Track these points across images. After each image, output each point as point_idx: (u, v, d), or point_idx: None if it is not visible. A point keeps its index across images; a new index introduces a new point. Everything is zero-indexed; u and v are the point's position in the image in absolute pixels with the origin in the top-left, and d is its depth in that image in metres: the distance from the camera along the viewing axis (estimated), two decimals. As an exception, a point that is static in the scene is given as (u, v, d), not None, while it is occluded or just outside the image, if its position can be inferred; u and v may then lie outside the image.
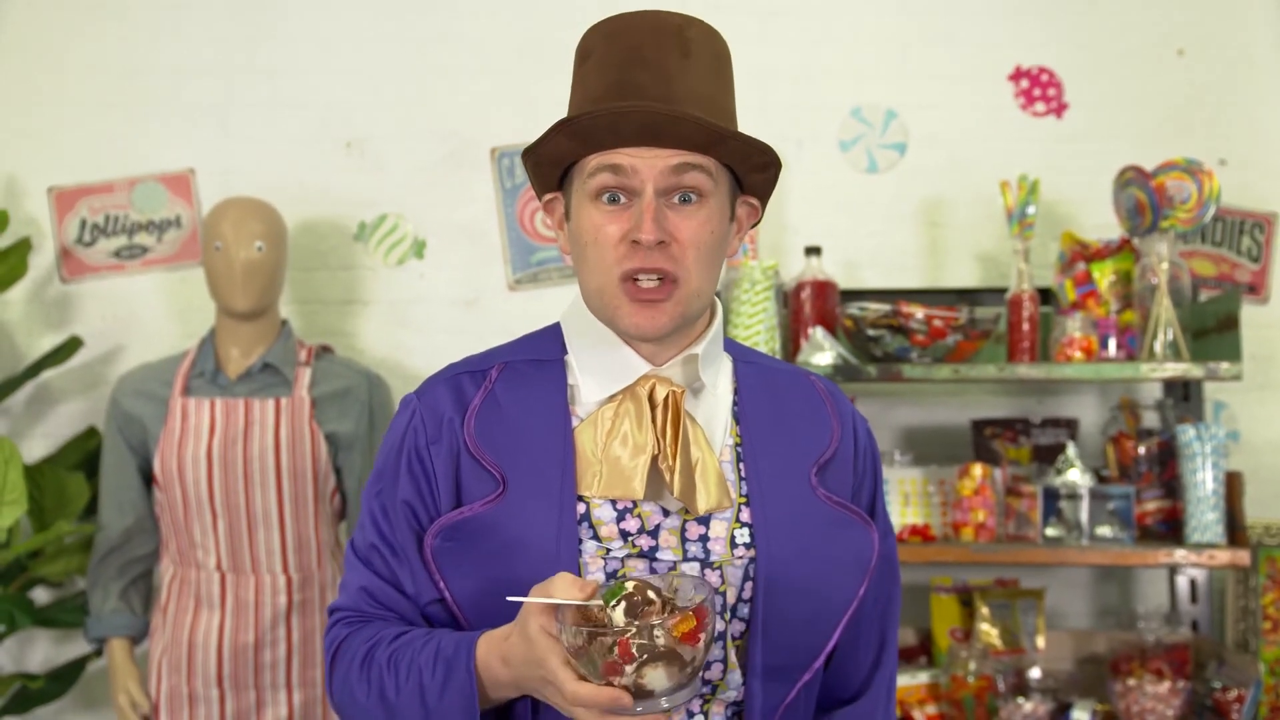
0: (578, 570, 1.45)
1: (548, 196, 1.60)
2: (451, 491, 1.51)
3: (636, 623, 1.28)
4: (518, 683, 1.38)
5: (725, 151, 1.50)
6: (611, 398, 1.54)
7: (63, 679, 3.22)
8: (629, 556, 1.47)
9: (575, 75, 1.56)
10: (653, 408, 1.51)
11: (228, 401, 2.90)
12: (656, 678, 1.28)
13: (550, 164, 1.55)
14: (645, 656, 1.27)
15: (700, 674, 1.33)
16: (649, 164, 1.46)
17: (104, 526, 2.95)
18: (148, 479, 2.96)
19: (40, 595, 3.38)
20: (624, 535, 1.49)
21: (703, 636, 1.29)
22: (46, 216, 3.48)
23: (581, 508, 1.49)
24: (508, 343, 1.64)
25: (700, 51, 1.49)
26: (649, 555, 1.48)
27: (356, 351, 3.44)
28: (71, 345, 3.32)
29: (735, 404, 1.59)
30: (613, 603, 1.30)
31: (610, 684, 1.28)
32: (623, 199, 1.48)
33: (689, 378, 1.55)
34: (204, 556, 2.88)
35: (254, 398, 2.91)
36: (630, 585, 1.31)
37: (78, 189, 3.48)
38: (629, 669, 1.27)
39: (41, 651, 3.44)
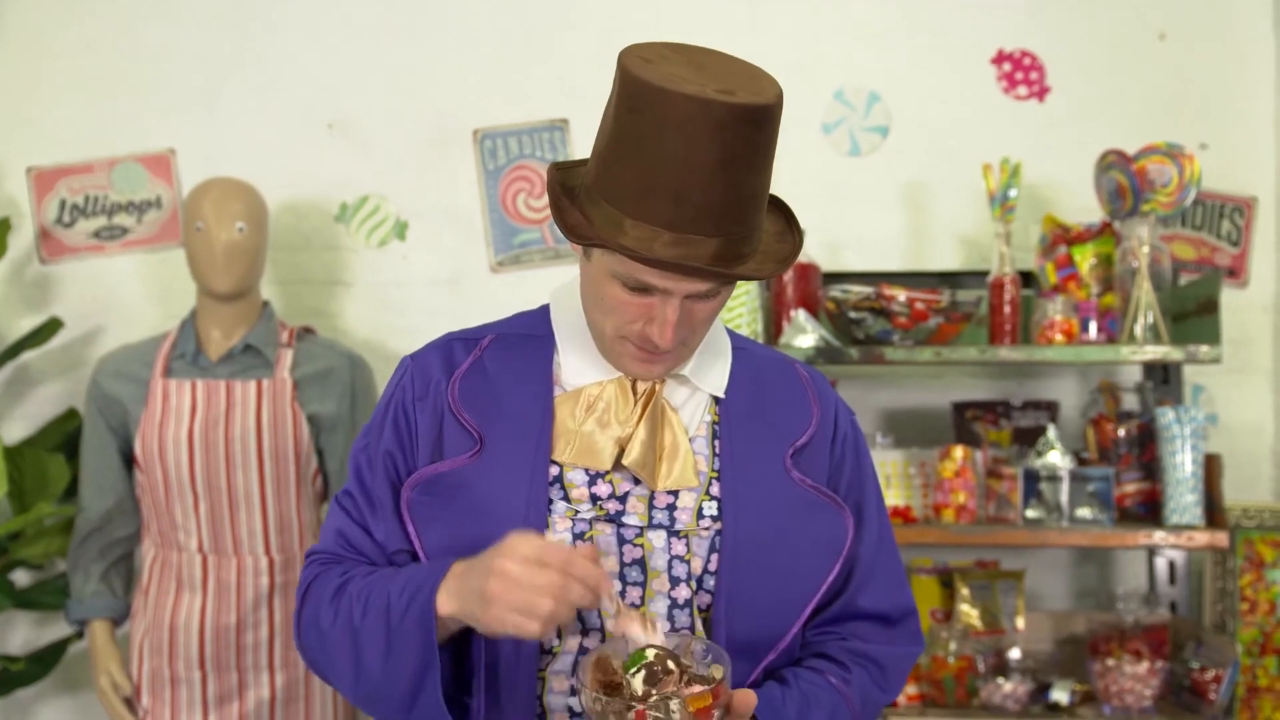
0: (545, 532, 1.50)
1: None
2: (430, 449, 1.56)
3: (655, 693, 1.32)
4: (465, 583, 1.41)
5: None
6: None
7: (43, 661, 3.21)
8: (596, 520, 1.52)
9: (621, 123, 1.43)
10: (635, 391, 1.57)
11: (209, 383, 2.89)
12: None
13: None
14: None
15: None
16: (680, 286, 1.46)
17: (84, 508, 2.94)
18: (128, 460, 2.95)
19: (21, 577, 3.37)
20: (594, 499, 1.54)
21: (716, 714, 1.34)
22: (25, 197, 3.46)
23: (555, 470, 1.54)
24: (503, 318, 1.69)
25: (766, 144, 1.44)
26: (615, 519, 1.53)
27: (339, 333, 3.43)
28: (51, 326, 3.30)
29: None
30: (632, 670, 1.34)
31: None
32: (647, 290, 1.48)
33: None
34: (185, 538, 2.87)
35: (235, 379, 2.90)
36: (651, 654, 1.35)
37: (56, 169, 3.46)
38: None
39: (22, 634, 3.43)
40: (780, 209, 1.58)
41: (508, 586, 1.35)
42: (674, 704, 1.31)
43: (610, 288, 1.48)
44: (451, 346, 1.63)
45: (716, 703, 1.33)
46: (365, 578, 1.52)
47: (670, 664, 1.34)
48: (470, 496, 1.51)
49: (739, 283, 1.57)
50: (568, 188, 1.52)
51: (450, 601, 1.42)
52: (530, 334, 1.63)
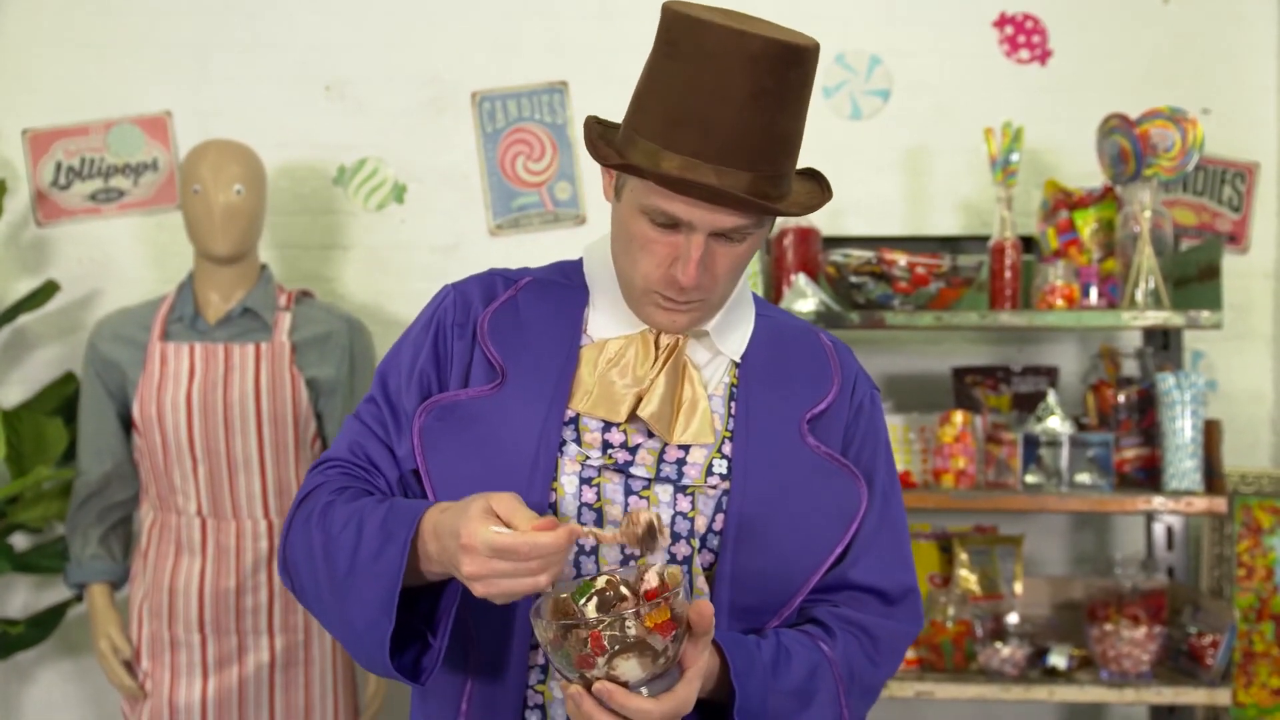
0: (553, 472, 1.51)
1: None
2: (461, 377, 1.58)
3: (609, 618, 1.30)
4: (441, 556, 1.40)
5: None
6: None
7: (43, 624, 3.22)
8: (604, 468, 1.53)
9: (658, 62, 1.47)
10: (657, 348, 1.58)
11: (207, 346, 2.88)
12: (629, 668, 1.31)
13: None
14: (616, 648, 1.29)
15: (677, 665, 1.35)
16: (706, 219, 1.47)
17: (83, 472, 2.94)
18: (127, 424, 2.94)
19: (19, 541, 3.37)
20: (606, 446, 1.54)
21: (676, 629, 1.32)
22: (21, 159, 3.43)
23: (571, 413, 1.55)
24: (544, 265, 1.71)
25: (798, 87, 1.45)
26: (623, 469, 1.53)
27: (337, 296, 3.42)
28: (48, 290, 3.29)
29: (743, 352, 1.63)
30: (583, 599, 1.32)
31: (584, 677, 1.31)
32: (674, 226, 1.49)
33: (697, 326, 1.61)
34: (184, 502, 2.87)
35: (233, 342, 2.89)
36: (602, 581, 1.33)
37: (52, 131, 3.44)
38: (600, 661, 1.30)
39: (21, 597, 3.43)
40: (815, 178, 1.60)
41: (481, 573, 1.33)
42: (630, 622, 1.29)
43: (638, 225, 1.50)
44: (493, 280, 1.66)
45: (674, 617, 1.30)
46: (352, 502, 1.51)
47: (623, 589, 1.32)
48: (484, 428, 1.53)
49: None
50: (607, 138, 1.54)
51: (428, 559, 1.42)
52: (566, 282, 1.65)
